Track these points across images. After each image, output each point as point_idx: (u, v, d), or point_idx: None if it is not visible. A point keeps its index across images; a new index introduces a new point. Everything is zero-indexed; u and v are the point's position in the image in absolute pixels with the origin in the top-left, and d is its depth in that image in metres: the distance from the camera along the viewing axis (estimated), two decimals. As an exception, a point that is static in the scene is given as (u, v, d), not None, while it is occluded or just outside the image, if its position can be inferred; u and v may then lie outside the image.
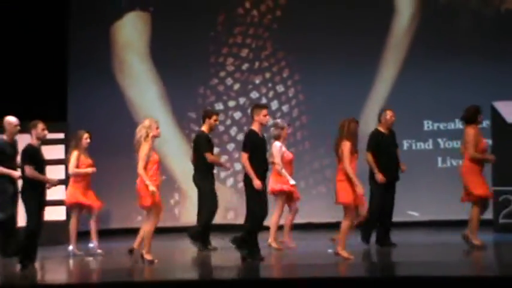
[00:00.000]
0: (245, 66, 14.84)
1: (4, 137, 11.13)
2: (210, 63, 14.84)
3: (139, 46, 14.90)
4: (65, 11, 14.77)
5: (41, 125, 10.21)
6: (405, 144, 13.98)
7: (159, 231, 14.02)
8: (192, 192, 14.53)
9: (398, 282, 7.99)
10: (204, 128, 11.60)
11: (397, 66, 14.28)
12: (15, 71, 13.94)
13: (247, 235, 9.87)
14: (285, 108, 14.67)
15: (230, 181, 14.52)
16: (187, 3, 14.80)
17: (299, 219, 13.78)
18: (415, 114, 13.86)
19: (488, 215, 12.40)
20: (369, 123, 14.09)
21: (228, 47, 14.85)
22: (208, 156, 11.37)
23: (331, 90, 14.20)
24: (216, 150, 14.49)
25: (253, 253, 9.84)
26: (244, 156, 9.89)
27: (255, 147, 9.93)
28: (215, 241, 11.49)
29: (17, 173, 10.68)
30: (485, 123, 13.48)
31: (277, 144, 11.19)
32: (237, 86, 14.86)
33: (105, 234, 13.82)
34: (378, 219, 11.00)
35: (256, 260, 9.79)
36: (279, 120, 11.75)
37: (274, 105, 14.64)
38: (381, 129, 11.22)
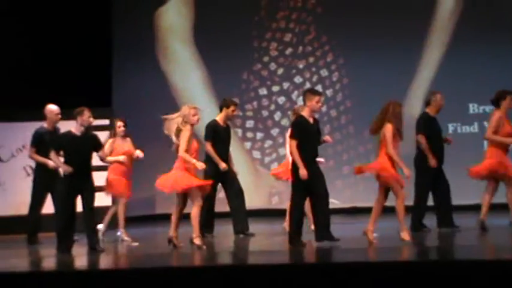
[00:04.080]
0: (288, 51, 14.82)
1: (45, 124, 11.28)
2: (254, 48, 14.85)
3: (183, 31, 14.95)
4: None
5: (87, 112, 10.20)
6: (450, 128, 13.87)
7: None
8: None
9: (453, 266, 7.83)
10: (219, 118, 11.42)
11: (442, 49, 14.14)
12: (60, 58, 14.07)
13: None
14: (328, 92, 14.62)
15: (274, 166, 14.52)
16: (232, -12, 14.81)
17: (344, 204, 13.82)
18: (460, 97, 13.71)
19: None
20: (413, 106, 14.06)
21: (271, 31, 14.84)
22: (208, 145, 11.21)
23: (375, 74, 14.12)
24: (260, 135, 14.58)
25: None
26: (293, 143, 9.66)
27: (305, 135, 9.68)
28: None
29: (51, 163, 10.78)
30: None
31: None
32: (280, 71, 14.84)
33: (150, 219, 13.96)
34: (425, 203, 10.83)
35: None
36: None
37: (318, 89, 14.59)
38: (430, 112, 10.96)
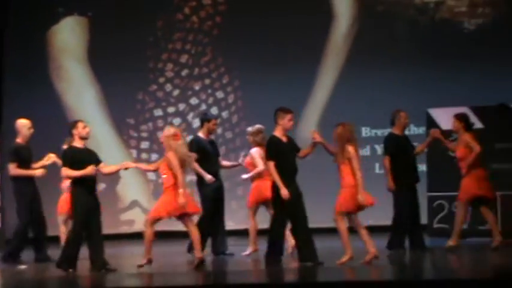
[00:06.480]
0: (184, 72, 14.83)
1: (18, 140, 10.91)
2: (149, 69, 14.80)
3: (77, 50, 14.81)
4: (1, 16, 14.59)
5: (81, 124, 9.67)
6: (343, 151, 14.05)
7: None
8: (133, 198, 14.53)
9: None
10: (201, 133, 10.99)
11: (336, 72, 14.39)
12: None
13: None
14: (224, 114, 14.68)
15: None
16: (126, 9, 14.73)
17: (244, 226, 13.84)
18: (353, 121, 13.81)
19: (423, 219, 12.56)
20: (307, 128, 14.23)
21: (167, 52, 14.83)
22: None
23: (270, 96, 14.20)
24: (155, 156, 14.47)
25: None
26: (271, 164, 9.50)
27: (281, 154, 9.52)
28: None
29: (38, 172, 10.58)
30: (422, 130, 13.73)
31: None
32: (176, 92, 14.83)
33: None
34: (407, 223, 10.77)
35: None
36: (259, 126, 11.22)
37: (214, 111, 14.63)
38: (396, 131, 10.98)
